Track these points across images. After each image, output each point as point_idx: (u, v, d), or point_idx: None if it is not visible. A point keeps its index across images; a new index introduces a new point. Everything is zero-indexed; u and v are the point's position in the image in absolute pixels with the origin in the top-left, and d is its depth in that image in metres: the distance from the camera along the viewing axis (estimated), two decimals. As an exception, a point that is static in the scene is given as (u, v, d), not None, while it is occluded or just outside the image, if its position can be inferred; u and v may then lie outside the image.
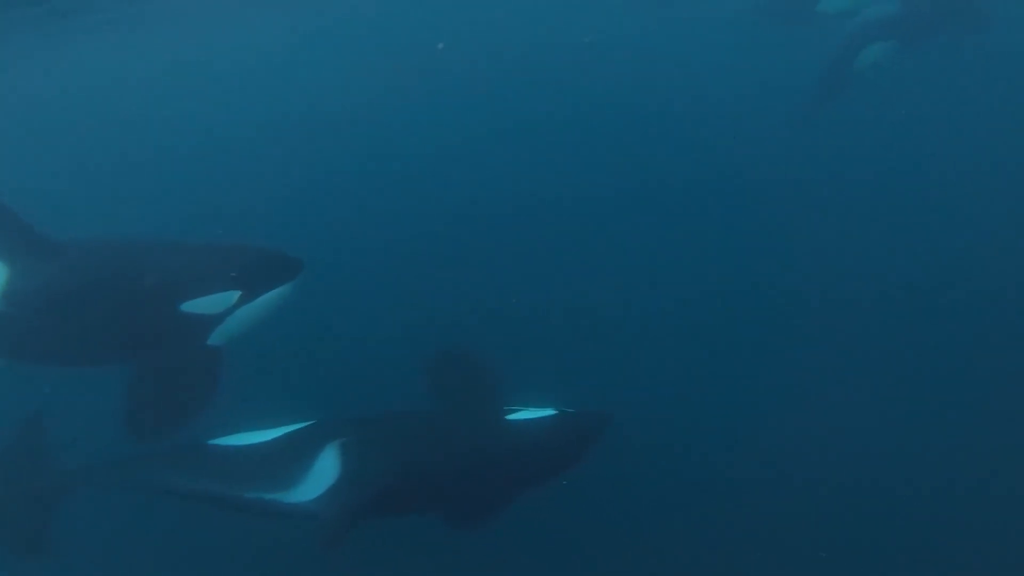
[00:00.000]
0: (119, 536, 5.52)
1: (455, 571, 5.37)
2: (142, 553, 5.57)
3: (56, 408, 5.20)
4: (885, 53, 10.06)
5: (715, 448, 5.95)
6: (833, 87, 10.31)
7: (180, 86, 13.38)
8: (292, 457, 4.53)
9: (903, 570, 5.35)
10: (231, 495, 4.52)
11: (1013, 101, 10.29)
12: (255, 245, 4.91)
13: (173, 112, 12.27)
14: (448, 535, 4.69)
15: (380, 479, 4.44)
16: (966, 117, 10.11)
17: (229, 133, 11.48)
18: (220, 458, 4.60)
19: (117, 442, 4.97)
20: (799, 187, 8.80)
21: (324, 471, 4.44)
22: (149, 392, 4.60)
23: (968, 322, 7.04)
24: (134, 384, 4.61)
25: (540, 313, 7.24)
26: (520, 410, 4.95)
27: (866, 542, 5.44)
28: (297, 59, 14.07)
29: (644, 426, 5.62)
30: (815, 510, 5.59)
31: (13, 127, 11.18)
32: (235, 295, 4.61)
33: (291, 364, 6.52)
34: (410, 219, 8.81)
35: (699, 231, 8.57)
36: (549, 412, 4.90)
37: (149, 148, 11.14)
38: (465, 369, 5.17)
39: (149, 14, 13.31)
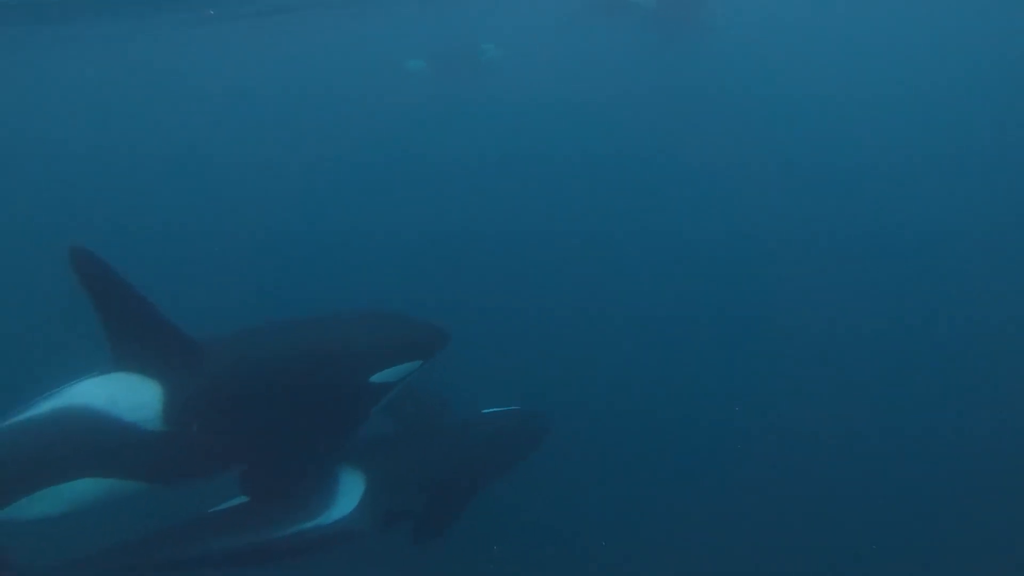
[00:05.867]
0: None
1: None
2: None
3: None
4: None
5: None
6: None
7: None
8: (313, 489, 4.81)
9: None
10: (272, 538, 4.61)
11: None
12: (405, 316, 5.06)
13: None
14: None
15: (405, 485, 4.95)
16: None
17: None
18: (249, 512, 4.68)
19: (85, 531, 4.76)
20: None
21: (351, 488, 4.81)
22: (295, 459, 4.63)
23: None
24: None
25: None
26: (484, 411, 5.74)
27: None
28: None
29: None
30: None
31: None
32: (417, 364, 4.84)
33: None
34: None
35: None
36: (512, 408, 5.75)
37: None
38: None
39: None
